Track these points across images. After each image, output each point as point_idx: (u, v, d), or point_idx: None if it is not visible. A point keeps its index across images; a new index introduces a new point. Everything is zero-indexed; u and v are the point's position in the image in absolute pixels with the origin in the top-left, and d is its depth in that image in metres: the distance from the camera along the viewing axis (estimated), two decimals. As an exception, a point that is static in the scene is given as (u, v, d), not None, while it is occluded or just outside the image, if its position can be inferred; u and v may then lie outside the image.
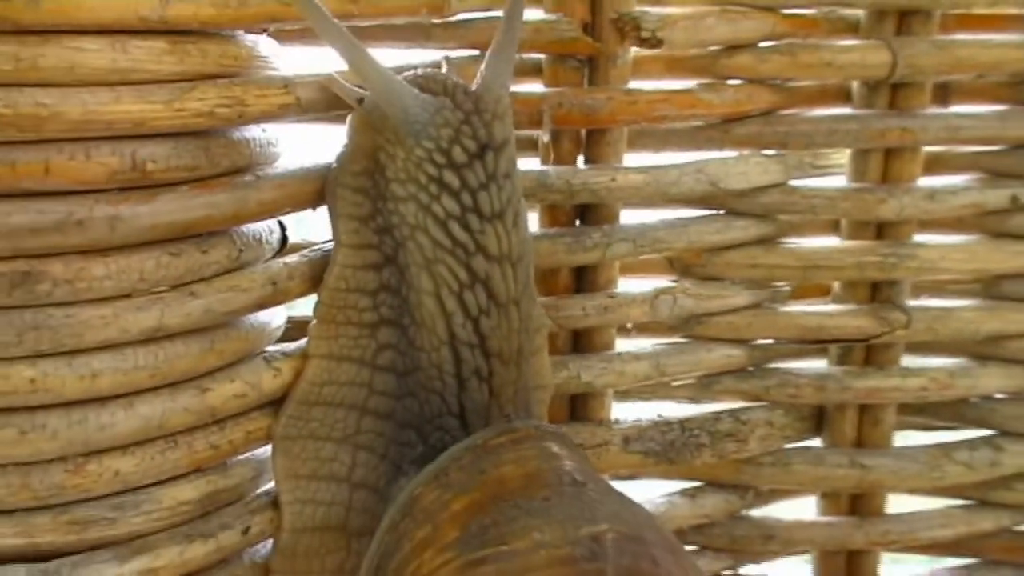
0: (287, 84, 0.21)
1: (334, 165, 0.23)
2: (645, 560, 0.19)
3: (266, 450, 0.22)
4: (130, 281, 0.19)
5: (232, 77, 0.20)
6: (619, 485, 0.28)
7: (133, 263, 0.19)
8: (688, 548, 0.29)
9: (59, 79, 0.18)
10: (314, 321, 0.23)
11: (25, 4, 0.17)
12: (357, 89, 0.22)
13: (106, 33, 0.18)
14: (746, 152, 0.27)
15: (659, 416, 0.28)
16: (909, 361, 0.29)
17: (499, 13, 0.25)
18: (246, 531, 0.22)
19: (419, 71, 0.24)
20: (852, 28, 0.28)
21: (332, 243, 0.23)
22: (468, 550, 0.20)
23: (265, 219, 0.22)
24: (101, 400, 0.19)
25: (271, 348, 0.23)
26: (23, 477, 0.19)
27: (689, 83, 0.27)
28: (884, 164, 0.28)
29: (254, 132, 0.21)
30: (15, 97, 0.17)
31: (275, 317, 0.22)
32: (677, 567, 0.20)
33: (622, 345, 0.28)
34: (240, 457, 0.22)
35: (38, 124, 0.18)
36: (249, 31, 0.21)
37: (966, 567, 0.31)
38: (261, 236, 0.22)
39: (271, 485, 0.23)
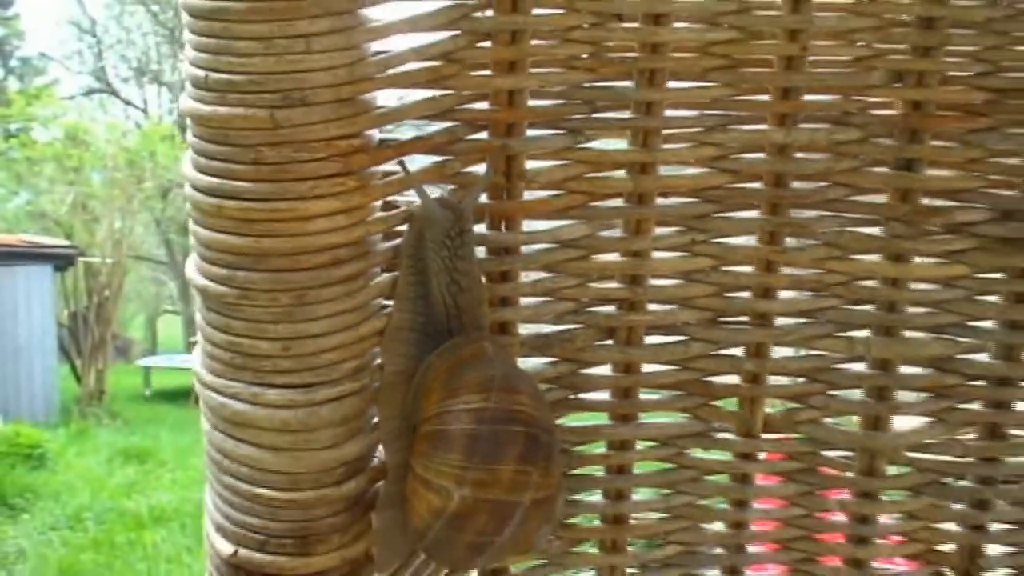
0: (387, 219, 0.57)
1: (404, 236, 0.59)
2: (510, 383, 0.56)
3: (378, 348, 0.59)
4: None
5: (367, 218, 0.56)
6: (525, 360, 0.65)
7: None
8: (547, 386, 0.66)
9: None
10: (396, 298, 0.59)
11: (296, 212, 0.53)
12: (413, 203, 0.58)
13: (329, 213, 0.54)
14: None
15: (536, 334, 0.65)
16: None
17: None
18: (371, 379, 0.59)
19: (440, 195, 0.60)
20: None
21: (400, 268, 0.59)
22: (448, 383, 0.55)
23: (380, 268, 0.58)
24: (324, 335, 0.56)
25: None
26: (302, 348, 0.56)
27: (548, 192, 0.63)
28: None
29: (376, 237, 0.57)
30: (303, 241, 0.54)
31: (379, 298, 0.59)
32: (525, 387, 0.56)
33: (522, 301, 0.65)
34: (371, 352, 0.58)
35: (299, 250, 0.54)
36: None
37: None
38: (378, 272, 0.58)
39: (379, 360, 0.59)
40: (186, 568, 4.27)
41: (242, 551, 0.57)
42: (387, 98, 0.57)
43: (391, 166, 0.57)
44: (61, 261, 10.00)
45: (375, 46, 0.54)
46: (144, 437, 7.80)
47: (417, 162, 0.59)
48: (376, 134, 0.56)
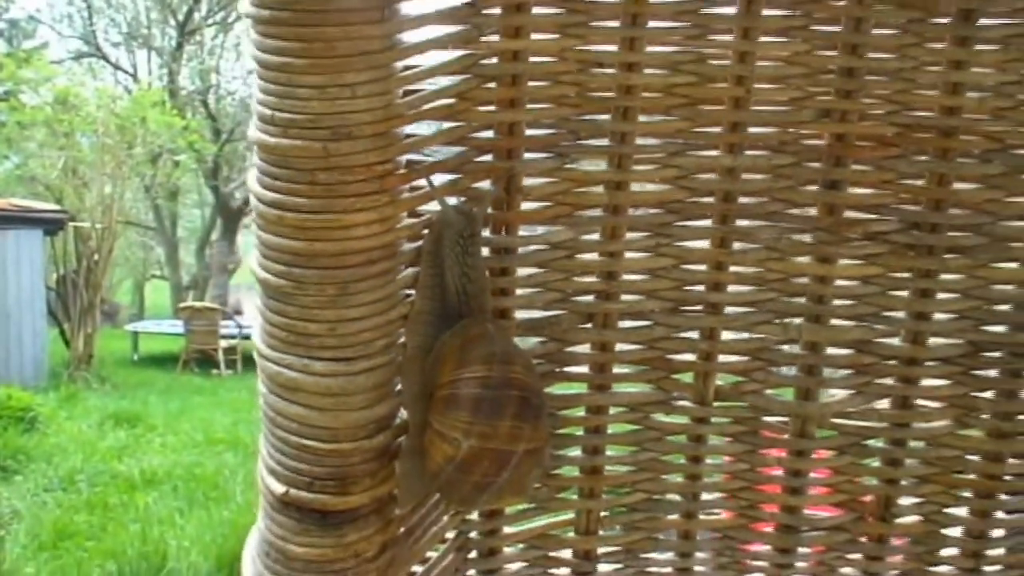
0: (412, 227, 0.71)
1: (425, 238, 0.73)
2: (508, 357, 0.69)
3: (403, 328, 0.73)
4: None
5: (396, 226, 0.70)
6: (520, 339, 0.80)
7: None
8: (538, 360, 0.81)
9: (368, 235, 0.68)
10: (417, 288, 0.73)
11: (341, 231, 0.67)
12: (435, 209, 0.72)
13: (367, 222, 0.68)
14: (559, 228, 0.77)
15: (530, 318, 0.79)
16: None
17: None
18: (397, 354, 0.73)
19: (456, 204, 0.74)
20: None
21: (422, 264, 0.73)
22: (459, 356, 0.69)
23: (404, 265, 0.72)
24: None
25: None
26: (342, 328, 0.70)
27: (540, 204, 0.77)
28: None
29: (402, 240, 0.71)
30: (346, 245, 0.68)
31: (404, 288, 0.73)
32: (520, 360, 0.70)
33: (518, 292, 0.79)
34: (397, 332, 0.72)
35: (343, 252, 0.68)
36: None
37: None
38: (403, 268, 0.72)
39: (403, 338, 0.73)
40: (178, 529, 4.40)
41: (292, 491, 0.71)
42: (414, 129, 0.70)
43: (414, 183, 0.71)
44: (51, 225, 10.04)
45: (404, 89, 0.68)
46: (133, 401, 7.90)
47: (436, 180, 0.72)
48: (404, 159, 0.69)
